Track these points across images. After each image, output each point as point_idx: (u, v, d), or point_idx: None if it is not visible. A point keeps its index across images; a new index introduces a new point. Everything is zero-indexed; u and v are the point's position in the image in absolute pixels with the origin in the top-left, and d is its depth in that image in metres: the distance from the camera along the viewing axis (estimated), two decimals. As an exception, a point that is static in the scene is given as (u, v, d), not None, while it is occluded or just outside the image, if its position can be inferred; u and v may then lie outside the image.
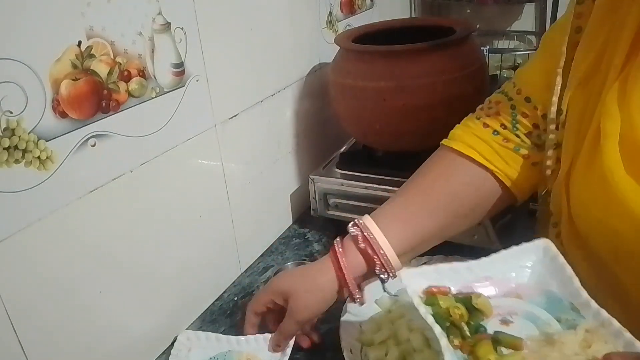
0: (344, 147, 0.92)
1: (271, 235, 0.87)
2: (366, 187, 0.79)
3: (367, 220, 0.57)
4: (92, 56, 0.51)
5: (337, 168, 0.85)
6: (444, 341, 0.38)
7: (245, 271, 0.80)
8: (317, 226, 0.88)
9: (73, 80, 0.50)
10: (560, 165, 0.51)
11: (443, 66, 0.74)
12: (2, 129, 0.44)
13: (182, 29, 0.61)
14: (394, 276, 0.55)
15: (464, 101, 0.77)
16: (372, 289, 0.66)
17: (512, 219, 0.77)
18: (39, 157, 0.48)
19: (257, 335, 0.61)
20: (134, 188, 0.58)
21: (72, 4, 0.49)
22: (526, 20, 1.39)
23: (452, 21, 0.86)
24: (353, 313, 0.63)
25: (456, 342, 0.39)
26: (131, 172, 0.58)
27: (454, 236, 0.61)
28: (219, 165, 0.72)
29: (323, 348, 0.63)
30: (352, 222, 0.57)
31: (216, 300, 0.74)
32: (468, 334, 0.40)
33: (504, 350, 0.38)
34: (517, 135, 0.56)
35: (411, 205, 0.58)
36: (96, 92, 0.52)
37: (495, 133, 0.56)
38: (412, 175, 0.61)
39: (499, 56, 1.28)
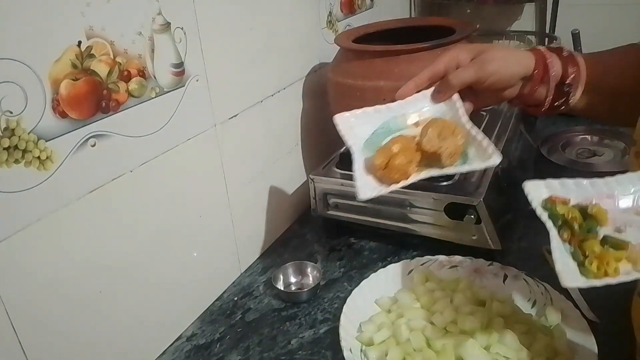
0: (344, 147, 0.91)
1: (271, 235, 0.87)
2: (366, 187, 0.79)
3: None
4: (92, 56, 0.51)
5: (337, 168, 0.85)
6: (553, 232, 0.42)
7: (245, 271, 0.80)
8: (317, 226, 0.88)
9: (73, 80, 0.50)
10: None
11: (443, 66, 0.74)
12: (2, 129, 0.44)
13: (182, 28, 0.61)
14: (573, 98, 0.57)
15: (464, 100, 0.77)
16: (373, 284, 0.66)
17: (512, 219, 0.78)
18: (38, 157, 0.48)
19: (416, 94, 0.59)
20: (133, 188, 0.58)
21: (71, 3, 0.49)
22: (526, 20, 1.39)
23: (452, 21, 0.86)
24: (353, 313, 0.63)
25: (565, 235, 0.43)
26: (131, 172, 0.58)
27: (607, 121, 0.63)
28: (218, 165, 0.72)
29: (323, 348, 0.63)
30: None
31: (216, 300, 0.74)
32: (578, 230, 0.43)
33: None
34: None
35: (609, 54, 0.60)
36: (96, 92, 0.52)
37: None
38: None
39: (499, 56, 1.27)
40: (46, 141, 0.48)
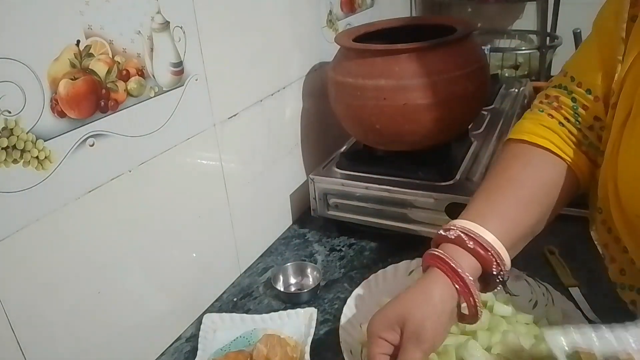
0: (344, 147, 0.91)
1: (271, 235, 0.87)
2: (367, 187, 0.79)
3: (462, 221, 0.50)
4: (90, 55, 0.51)
5: (337, 168, 0.84)
6: None
7: (245, 272, 0.80)
8: (317, 226, 0.88)
9: (71, 79, 0.49)
10: (607, 145, 0.50)
11: (444, 65, 0.74)
12: (1, 129, 0.44)
13: (181, 27, 0.61)
14: (507, 276, 0.50)
15: (464, 100, 0.77)
16: (373, 285, 0.66)
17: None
18: (37, 157, 0.47)
19: (282, 311, 0.65)
20: (132, 188, 0.58)
21: (70, 2, 0.48)
22: (527, 19, 1.39)
23: (453, 20, 0.86)
24: (353, 314, 0.63)
25: None
26: (130, 172, 0.57)
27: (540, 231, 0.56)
28: (218, 165, 0.72)
29: (323, 349, 0.62)
30: (440, 230, 0.50)
31: (215, 301, 0.74)
32: None
33: None
34: (580, 130, 0.54)
35: (503, 199, 0.53)
36: (95, 92, 0.52)
37: (561, 124, 0.55)
38: (487, 175, 0.57)
39: (500, 55, 1.28)
40: (45, 141, 0.48)
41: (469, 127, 0.90)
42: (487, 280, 0.50)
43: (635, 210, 0.47)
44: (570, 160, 0.54)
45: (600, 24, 0.55)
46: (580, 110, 0.54)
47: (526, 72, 1.30)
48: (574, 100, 0.55)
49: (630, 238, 0.49)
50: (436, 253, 0.49)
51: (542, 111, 0.57)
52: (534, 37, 1.39)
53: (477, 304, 0.47)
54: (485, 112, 0.99)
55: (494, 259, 0.48)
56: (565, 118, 0.55)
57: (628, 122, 0.47)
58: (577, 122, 0.54)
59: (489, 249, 0.48)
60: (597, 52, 0.54)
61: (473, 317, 0.49)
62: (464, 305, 0.48)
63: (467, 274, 0.47)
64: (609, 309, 0.61)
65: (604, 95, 0.52)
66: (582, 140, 0.54)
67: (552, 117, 0.56)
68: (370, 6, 1.11)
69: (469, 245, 0.48)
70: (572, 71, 0.56)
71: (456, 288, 0.47)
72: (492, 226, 0.49)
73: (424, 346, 0.45)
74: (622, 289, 0.53)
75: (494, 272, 0.48)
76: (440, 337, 0.47)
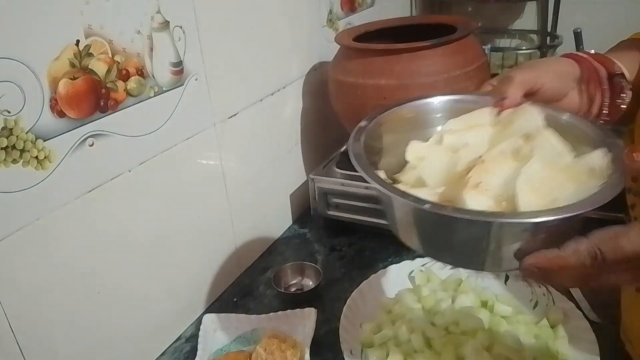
0: (344, 147, 0.91)
1: (271, 235, 0.87)
2: (367, 187, 0.79)
3: None
4: (90, 55, 0.51)
5: (338, 168, 0.84)
6: None
7: (245, 271, 0.80)
8: (317, 226, 0.88)
9: (71, 79, 0.49)
10: None
11: (444, 65, 0.74)
12: (0, 129, 0.44)
13: (181, 27, 0.61)
14: (627, 93, 0.52)
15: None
16: (373, 285, 0.66)
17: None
18: (36, 157, 0.47)
19: (282, 311, 0.65)
20: (132, 188, 0.58)
21: (70, 2, 0.48)
22: (528, 18, 1.39)
23: (453, 19, 0.85)
24: (353, 314, 0.63)
25: None
26: (129, 171, 0.57)
27: None
28: (218, 164, 0.71)
29: (323, 349, 0.62)
30: None
31: (215, 300, 0.74)
32: None
33: None
34: None
35: (620, 53, 0.55)
36: (94, 91, 0.52)
37: None
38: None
39: (501, 54, 1.27)
40: (44, 141, 0.48)
41: (469, 126, 0.90)
42: (615, 86, 0.52)
43: None
44: None
45: None
46: None
47: (526, 72, 1.29)
48: None
49: None
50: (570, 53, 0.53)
51: None
52: (534, 36, 1.38)
53: (599, 73, 0.51)
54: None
55: (615, 64, 0.51)
56: None
57: None
58: None
59: (610, 60, 0.52)
60: None
61: (592, 104, 0.51)
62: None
63: (588, 58, 0.51)
64: (610, 309, 0.61)
65: None
66: None
67: None
68: (370, 5, 1.11)
69: (592, 53, 0.52)
70: None
71: (581, 70, 0.50)
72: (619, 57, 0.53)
73: (525, 71, 0.48)
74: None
75: (617, 72, 0.51)
76: (549, 80, 0.49)
